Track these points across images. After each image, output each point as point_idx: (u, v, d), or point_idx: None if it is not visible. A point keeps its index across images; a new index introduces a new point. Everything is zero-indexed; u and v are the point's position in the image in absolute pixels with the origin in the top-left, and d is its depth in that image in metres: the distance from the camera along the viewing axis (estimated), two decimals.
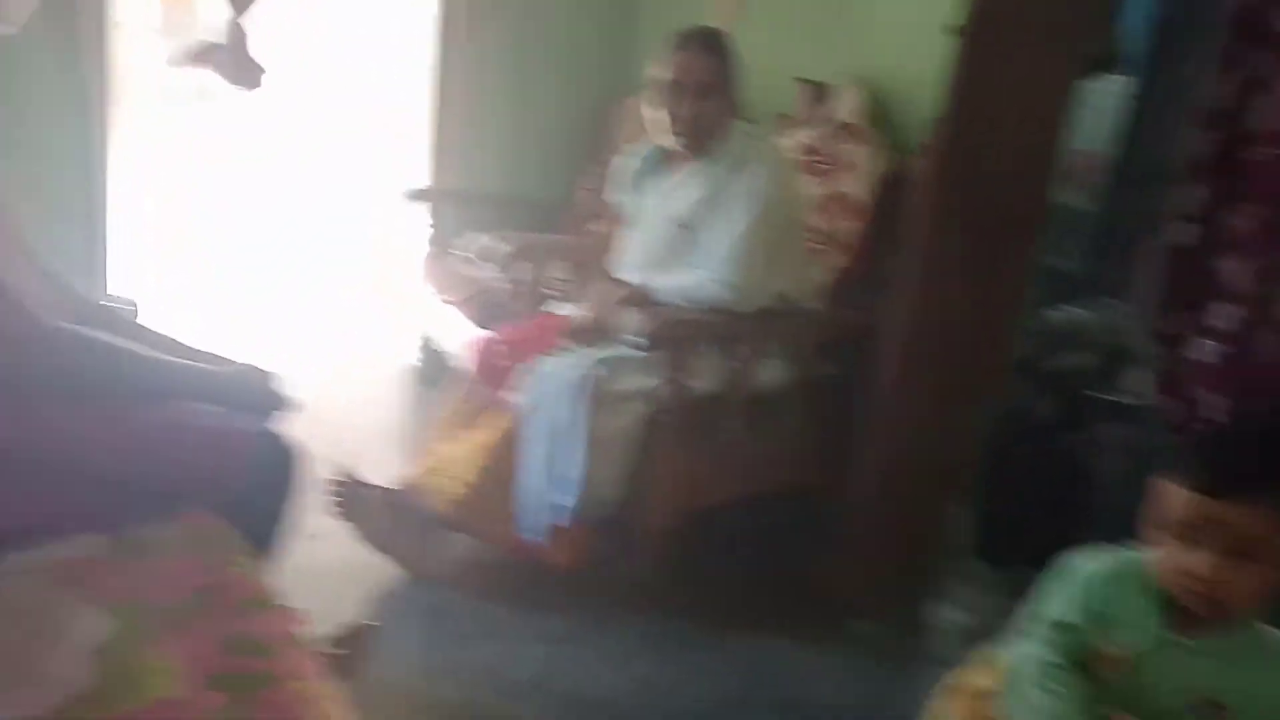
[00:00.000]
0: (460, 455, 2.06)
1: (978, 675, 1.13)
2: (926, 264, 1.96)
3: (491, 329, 2.28)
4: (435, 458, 2.12)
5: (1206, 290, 2.02)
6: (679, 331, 1.93)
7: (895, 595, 2.26)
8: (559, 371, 1.97)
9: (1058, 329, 2.87)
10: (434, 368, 2.93)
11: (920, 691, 1.31)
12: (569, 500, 1.95)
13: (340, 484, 2.03)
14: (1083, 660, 1.01)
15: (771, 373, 2.15)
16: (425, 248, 2.96)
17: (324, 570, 2.03)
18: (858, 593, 2.20)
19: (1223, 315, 1.99)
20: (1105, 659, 1.00)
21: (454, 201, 3.06)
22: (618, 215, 2.33)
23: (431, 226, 2.97)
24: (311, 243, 4.18)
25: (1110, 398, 2.91)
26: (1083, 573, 1.05)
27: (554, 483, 1.97)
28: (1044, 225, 2.29)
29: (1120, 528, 1.06)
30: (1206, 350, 2.01)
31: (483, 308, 2.54)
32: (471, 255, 2.47)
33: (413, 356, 3.16)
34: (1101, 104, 2.51)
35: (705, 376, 2.04)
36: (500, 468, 2.01)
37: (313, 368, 3.07)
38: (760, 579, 2.31)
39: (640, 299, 2.04)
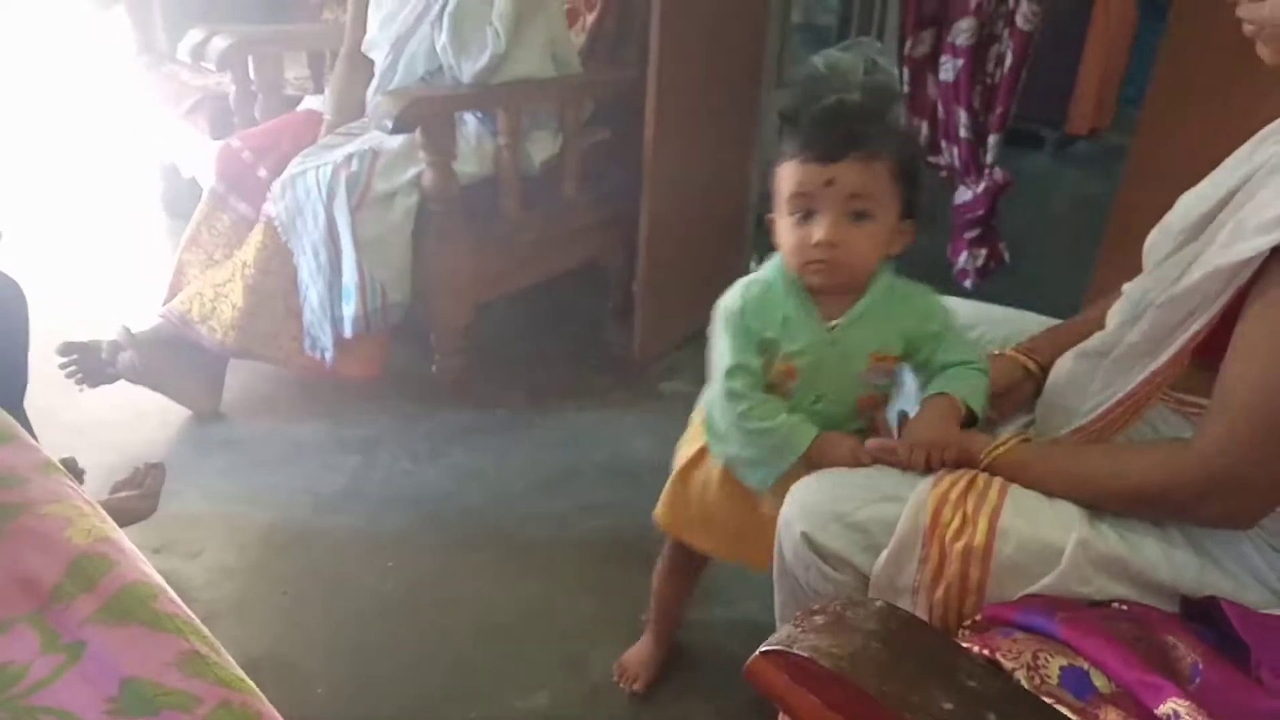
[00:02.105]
0: (221, 278, 1.89)
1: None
2: (667, 18, 1.89)
3: (228, 137, 2.05)
4: (197, 285, 1.95)
5: (943, 7, 2.09)
6: (428, 110, 1.77)
7: (696, 350, 2.35)
8: (309, 173, 1.81)
9: (820, 76, 2.92)
10: (179, 192, 2.64)
11: None
12: (350, 309, 1.86)
13: (70, 355, 1.86)
14: (764, 384, 1.05)
15: (541, 147, 2.07)
16: (135, 57, 2.58)
17: (114, 421, 1.93)
18: (660, 353, 2.28)
19: (960, 31, 2.07)
20: (780, 372, 1.05)
21: None
22: None
23: (135, 31, 2.57)
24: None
25: None
26: (731, 311, 1.05)
27: (331, 293, 1.87)
28: None
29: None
30: (947, 68, 2.10)
31: (213, 116, 2.26)
32: (185, 59, 2.16)
33: (153, 185, 2.84)
34: None
35: (472, 159, 1.94)
36: (267, 285, 1.87)
37: (51, 224, 2.81)
38: (567, 357, 2.33)
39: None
